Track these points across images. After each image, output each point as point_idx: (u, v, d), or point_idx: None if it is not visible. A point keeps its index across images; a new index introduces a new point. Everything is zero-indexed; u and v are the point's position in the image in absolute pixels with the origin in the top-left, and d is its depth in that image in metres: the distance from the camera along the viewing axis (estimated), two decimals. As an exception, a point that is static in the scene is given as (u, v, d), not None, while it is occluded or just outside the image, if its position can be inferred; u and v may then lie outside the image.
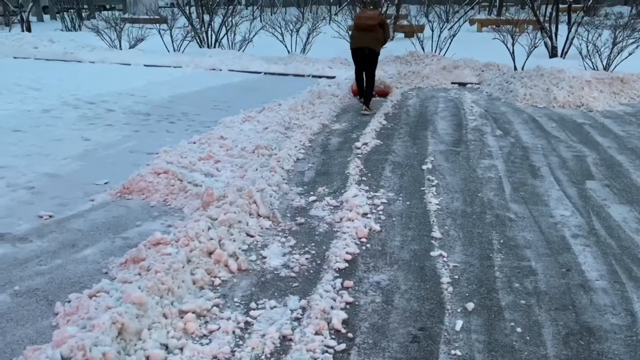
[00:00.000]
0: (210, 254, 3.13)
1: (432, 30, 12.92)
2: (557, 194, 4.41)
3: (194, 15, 14.88)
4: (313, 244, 3.48)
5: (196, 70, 11.60)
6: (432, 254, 3.34)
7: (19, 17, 19.08)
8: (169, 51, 13.76)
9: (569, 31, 11.86)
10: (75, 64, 12.22)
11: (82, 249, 3.33)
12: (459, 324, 2.62)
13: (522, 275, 3.10)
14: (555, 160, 5.36)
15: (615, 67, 10.33)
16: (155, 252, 3.01)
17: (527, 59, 10.61)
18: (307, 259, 3.26)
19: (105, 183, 4.49)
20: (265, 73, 11.36)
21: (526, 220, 3.88)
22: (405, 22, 17.17)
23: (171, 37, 13.80)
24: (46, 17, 28.95)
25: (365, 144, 5.82)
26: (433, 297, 2.86)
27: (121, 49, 14.26)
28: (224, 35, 14.17)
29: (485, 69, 10.73)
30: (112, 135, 6.02)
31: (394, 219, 3.90)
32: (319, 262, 3.23)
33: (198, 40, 14.32)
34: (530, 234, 3.66)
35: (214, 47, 14.20)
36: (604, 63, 10.46)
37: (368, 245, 3.46)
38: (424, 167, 5.07)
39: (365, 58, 7.39)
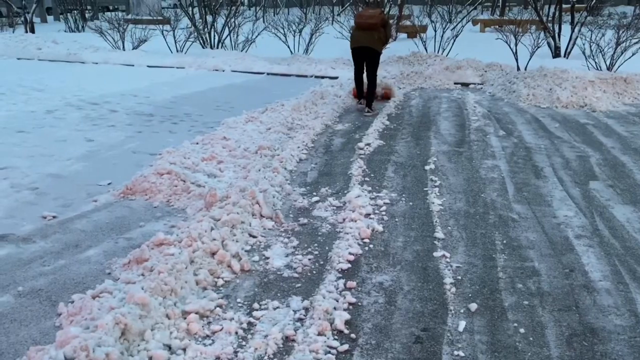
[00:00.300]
0: (213, 254, 3.14)
1: (435, 31, 12.90)
2: (560, 195, 4.40)
3: (196, 16, 14.90)
4: (316, 244, 3.48)
5: (199, 70, 11.61)
6: (435, 254, 3.34)
7: (22, 18, 19.13)
8: (172, 52, 13.78)
9: (572, 31, 11.83)
10: (78, 65, 12.25)
11: (86, 250, 3.34)
12: (462, 324, 2.61)
13: (525, 275, 3.09)
14: (558, 160, 5.35)
15: (619, 67, 10.30)
16: (159, 253, 3.02)
17: (530, 59, 10.59)
18: (309, 259, 3.26)
19: (109, 184, 4.50)
20: (268, 74, 11.36)
21: (529, 221, 3.87)
22: (408, 23, 17.15)
23: (174, 37, 13.81)
24: (50, 18, 29.04)
25: (368, 144, 5.81)
26: (436, 297, 2.86)
27: (124, 50, 14.29)
28: (227, 36, 14.18)
29: (488, 69, 10.71)
30: (115, 136, 6.03)
31: (396, 219, 3.89)
32: (321, 262, 3.23)
33: (201, 41, 14.33)
34: (534, 234, 3.65)
35: (217, 47, 14.21)
36: (608, 63, 10.43)
37: (371, 246, 3.46)
38: (427, 167, 5.06)
39: (365, 58, 7.30)
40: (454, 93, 9.34)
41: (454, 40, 12.54)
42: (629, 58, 10.18)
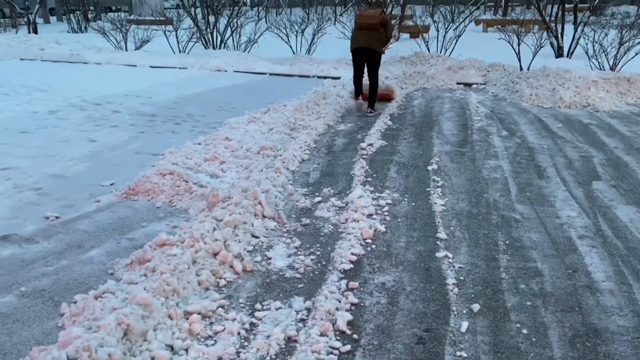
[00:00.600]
0: (215, 255, 3.14)
1: (438, 31, 12.90)
2: (563, 195, 4.39)
3: (199, 17, 14.91)
4: (318, 244, 3.48)
5: (201, 71, 11.62)
6: (437, 255, 3.33)
7: (25, 19, 19.18)
8: (174, 52, 13.80)
9: (575, 31, 11.81)
10: (81, 66, 12.27)
11: (88, 250, 3.34)
12: (465, 325, 2.61)
13: (528, 276, 3.09)
14: (561, 160, 5.34)
15: (622, 67, 10.27)
16: (161, 253, 3.02)
17: (532, 59, 10.57)
18: (312, 260, 3.26)
19: (111, 184, 4.50)
20: (270, 74, 11.37)
21: (532, 221, 3.86)
22: (410, 23, 17.15)
23: (177, 38, 13.83)
24: (53, 18, 29.11)
25: (371, 144, 5.81)
26: (438, 298, 2.85)
27: (127, 51, 14.31)
28: (229, 36, 14.19)
29: (491, 69, 10.70)
30: (118, 137, 6.04)
31: (399, 219, 3.89)
32: (324, 263, 3.23)
33: (203, 41, 14.34)
34: (536, 235, 3.64)
35: (219, 48, 14.23)
36: (611, 63, 10.41)
37: (373, 246, 3.45)
38: (430, 167, 5.06)
39: (365, 59, 7.23)
40: (457, 93, 9.33)
41: (457, 40, 12.52)
42: (632, 58, 10.15)
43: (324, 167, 5.14)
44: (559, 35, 12.14)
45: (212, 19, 14.42)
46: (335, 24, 16.15)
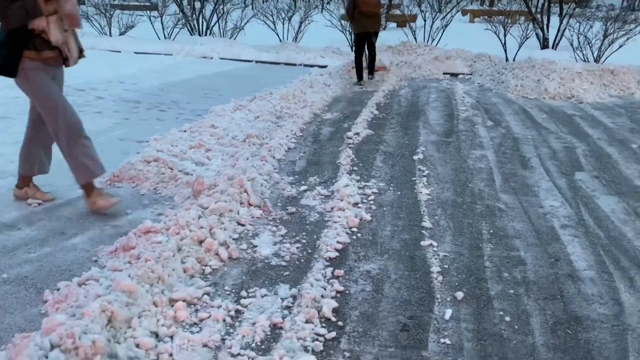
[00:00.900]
0: (200, 242, 3.13)
1: (425, 20, 12.91)
2: (546, 185, 4.44)
3: (184, 2, 14.73)
4: (304, 233, 3.48)
5: (187, 58, 11.51)
6: (422, 243, 3.35)
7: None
8: (159, 38, 13.64)
9: (561, 23, 11.89)
10: (64, 51, 12.05)
11: (72, 237, 3.31)
12: (449, 312, 2.64)
13: (511, 265, 3.12)
14: (545, 151, 5.39)
15: (606, 59, 10.38)
16: (146, 241, 3.00)
17: (518, 50, 10.64)
18: (297, 248, 3.27)
19: (95, 171, 4.44)
20: (256, 61, 11.30)
21: (516, 211, 3.90)
22: (397, 12, 17.12)
23: (162, 24, 13.67)
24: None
25: (357, 133, 5.81)
26: (423, 286, 2.88)
27: (111, 36, 14.11)
28: (215, 23, 14.05)
29: (477, 60, 10.74)
30: (102, 123, 5.97)
31: (384, 208, 3.91)
32: (309, 251, 3.24)
33: (189, 27, 14.19)
34: (520, 224, 3.68)
35: (205, 35, 14.09)
36: (595, 55, 10.51)
37: (359, 235, 3.47)
38: (415, 157, 5.08)
39: (368, 39, 8.84)
40: (443, 83, 9.36)
41: (444, 30, 12.56)
42: (616, 50, 10.27)
43: (310, 155, 5.14)
44: (545, 26, 12.21)
45: (197, 4, 14.27)
46: (322, 12, 16.06)
